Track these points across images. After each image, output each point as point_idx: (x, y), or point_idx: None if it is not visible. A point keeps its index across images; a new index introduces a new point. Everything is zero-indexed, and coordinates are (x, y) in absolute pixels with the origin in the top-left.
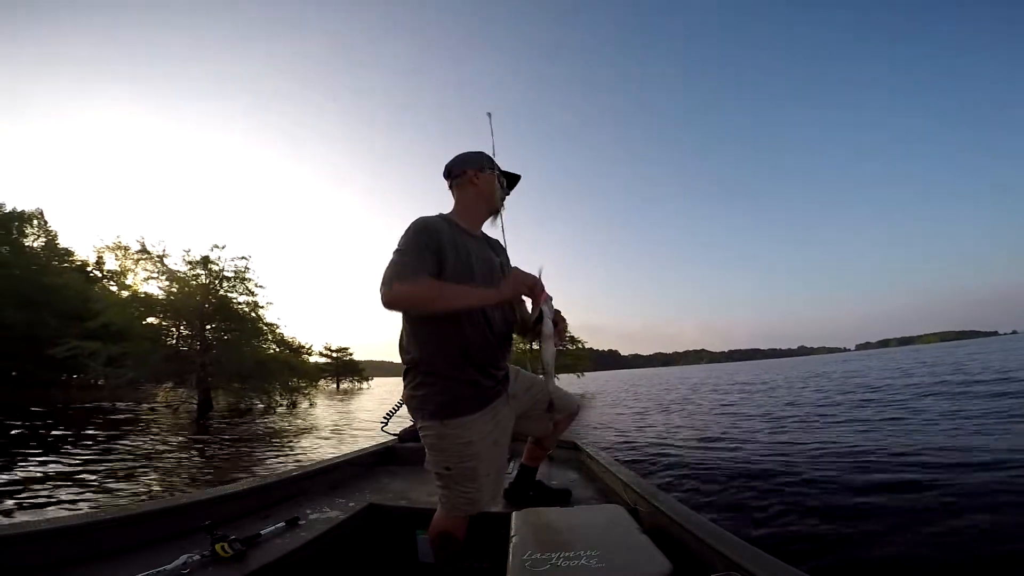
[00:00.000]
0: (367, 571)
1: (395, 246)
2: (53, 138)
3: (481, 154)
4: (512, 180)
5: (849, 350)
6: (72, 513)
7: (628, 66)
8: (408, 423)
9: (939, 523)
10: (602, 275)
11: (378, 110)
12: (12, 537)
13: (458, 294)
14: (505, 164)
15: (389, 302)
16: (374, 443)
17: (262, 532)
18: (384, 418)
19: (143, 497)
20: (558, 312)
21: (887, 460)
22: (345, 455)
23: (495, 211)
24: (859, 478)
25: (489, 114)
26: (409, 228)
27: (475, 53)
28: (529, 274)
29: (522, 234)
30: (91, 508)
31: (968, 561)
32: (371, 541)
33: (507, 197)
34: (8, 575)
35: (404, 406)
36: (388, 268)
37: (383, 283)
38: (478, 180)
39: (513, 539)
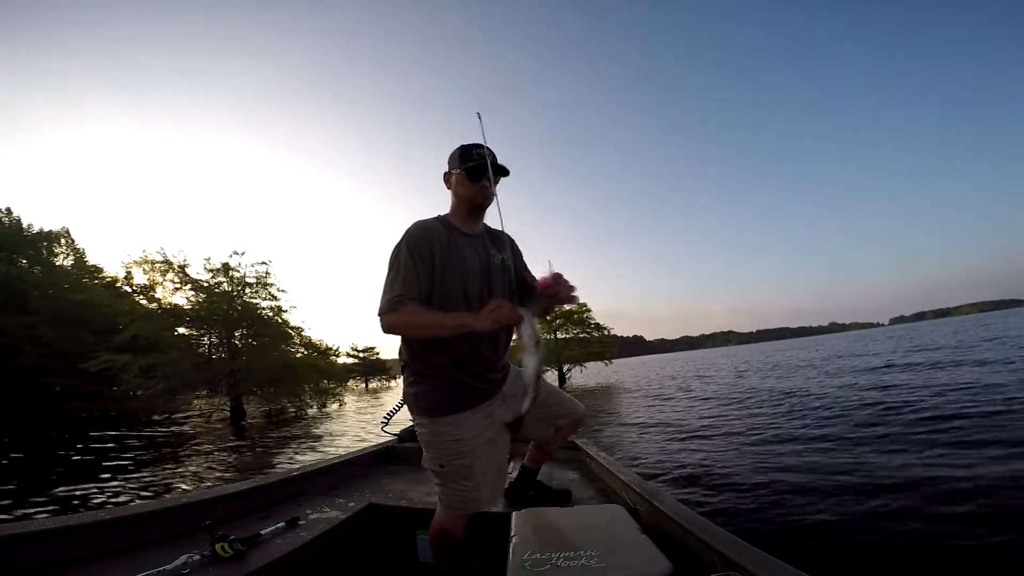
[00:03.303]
0: (367, 571)
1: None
2: (64, 152)
3: (453, 152)
4: (495, 171)
5: (883, 324)
6: (72, 513)
7: (649, 57)
8: (408, 423)
9: (944, 524)
10: (627, 259)
11: (398, 107)
12: (13, 537)
13: (436, 323)
14: (528, 153)
15: (385, 331)
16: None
17: (262, 532)
18: (384, 418)
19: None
20: (558, 275)
21: (891, 461)
22: (345, 455)
23: (473, 207)
24: (861, 479)
25: (479, 114)
26: (401, 239)
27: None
28: (506, 307)
29: (541, 220)
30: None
31: (974, 562)
32: (371, 541)
33: (493, 187)
34: (9, 575)
35: (404, 406)
36: (382, 294)
37: (378, 312)
38: (452, 180)
39: (513, 539)
